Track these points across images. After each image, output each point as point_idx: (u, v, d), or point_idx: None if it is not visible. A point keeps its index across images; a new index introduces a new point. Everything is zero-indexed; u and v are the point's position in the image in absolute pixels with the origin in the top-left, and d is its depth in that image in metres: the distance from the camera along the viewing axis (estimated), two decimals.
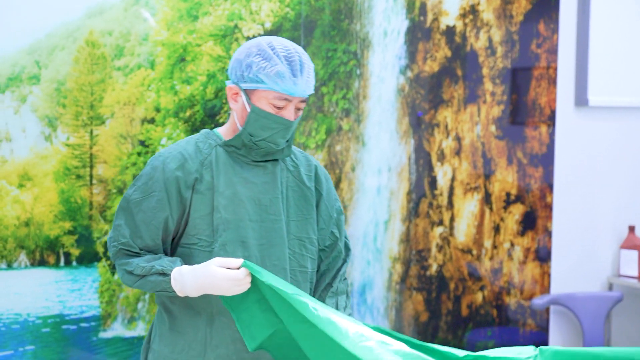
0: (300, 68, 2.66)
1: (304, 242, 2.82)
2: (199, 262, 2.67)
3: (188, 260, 2.71)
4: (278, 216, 2.76)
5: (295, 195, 2.83)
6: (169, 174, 2.70)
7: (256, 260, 2.71)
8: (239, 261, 2.55)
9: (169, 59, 4.16)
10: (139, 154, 4.12)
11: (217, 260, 2.57)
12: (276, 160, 2.80)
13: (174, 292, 2.64)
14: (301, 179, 2.84)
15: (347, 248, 2.96)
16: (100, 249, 4.09)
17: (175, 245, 2.76)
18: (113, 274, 4.11)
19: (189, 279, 2.60)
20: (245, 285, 2.55)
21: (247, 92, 2.71)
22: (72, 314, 4.05)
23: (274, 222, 2.76)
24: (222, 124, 4.28)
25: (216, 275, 2.54)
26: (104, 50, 4.05)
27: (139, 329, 4.16)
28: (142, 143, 4.13)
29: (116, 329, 4.14)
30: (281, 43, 2.70)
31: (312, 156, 2.97)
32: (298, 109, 2.73)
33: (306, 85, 2.68)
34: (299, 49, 2.72)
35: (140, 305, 4.16)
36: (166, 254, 2.75)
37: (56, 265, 4.04)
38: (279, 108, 2.69)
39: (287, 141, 2.76)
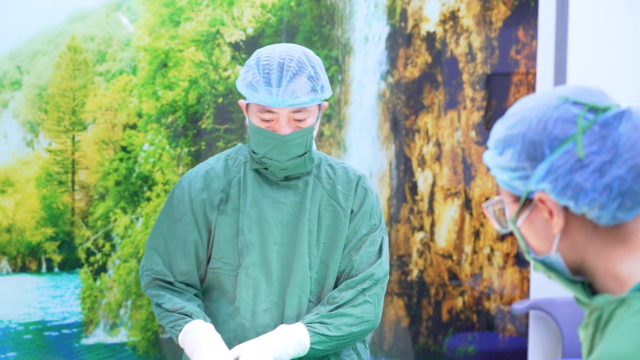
0: (278, 77, 2.44)
1: (330, 267, 2.62)
2: (226, 287, 2.59)
3: (217, 284, 2.62)
4: (302, 240, 2.58)
5: (329, 215, 2.63)
6: (194, 195, 2.60)
7: (277, 285, 2.58)
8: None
9: (150, 65, 4.15)
10: (121, 159, 4.11)
11: (207, 352, 2.43)
12: (309, 176, 2.63)
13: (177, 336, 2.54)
14: (336, 198, 2.64)
15: (372, 274, 2.63)
16: (82, 255, 4.07)
17: (204, 275, 2.66)
18: (95, 280, 4.09)
19: (188, 340, 2.49)
20: None
21: (248, 106, 2.57)
22: (53, 321, 4.03)
23: (298, 245, 2.58)
24: (204, 130, 4.21)
25: None
26: (86, 55, 4.04)
27: (121, 336, 4.15)
28: (124, 149, 4.12)
29: (98, 336, 4.12)
30: (273, 50, 2.51)
31: (356, 169, 2.73)
32: (297, 120, 2.51)
33: (286, 94, 2.44)
34: (296, 53, 2.49)
35: (122, 311, 4.14)
36: (201, 281, 2.65)
37: (38, 271, 4.02)
38: (267, 121, 2.50)
39: (303, 155, 2.55)
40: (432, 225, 4.79)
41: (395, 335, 4.69)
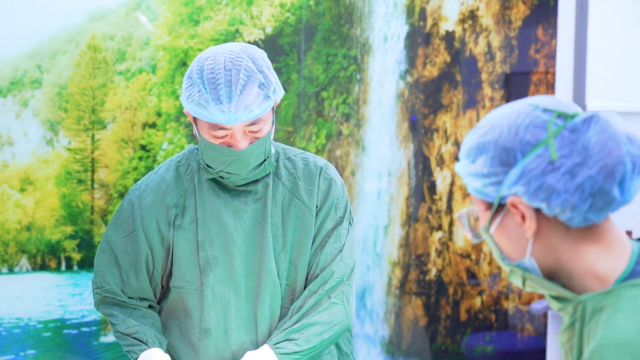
0: (227, 92, 2.24)
1: (299, 270, 2.48)
2: (192, 307, 2.46)
3: (181, 304, 2.49)
4: (268, 247, 2.43)
5: (293, 215, 2.47)
6: (145, 212, 2.44)
7: (246, 299, 2.44)
8: None
9: (170, 64, 4.16)
10: (140, 158, 4.12)
11: None
12: (267, 176, 2.47)
13: None
14: (300, 196, 2.48)
15: (332, 272, 2.47)
16: None
17: (166, 290, 2.51)
18: None
19: None
20: None
21: (195, 119, 2.37)
22: (73, 319, 4.04)
23: (264, 253, 2.43)
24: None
25: None
26: (106, 54, 4.06)
27: None
28: (143, 147, 4.13)
29: None
30: (216, 59, 2.29)
31: (317, 159, 2.56)
32: (253, 132, 2.34)
33: (239, 110, 2.25)
34: (241, 60, 2.29)
35: None
36: (156, 299, 2.53)
37: (57, 269, 4.03)
38: (221, 137, 2.32)
39: (262, 162, 2.40)
40: (451, 224, 4.78)
41: (413, 334, 4.69)
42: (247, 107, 2.25)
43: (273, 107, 2.38)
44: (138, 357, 2.39)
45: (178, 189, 2.45)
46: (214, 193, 2.44)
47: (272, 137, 2.42)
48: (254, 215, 2.43)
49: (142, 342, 2.40)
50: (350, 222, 2.54)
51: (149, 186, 2.47)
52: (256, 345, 2.47)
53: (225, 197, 2.43)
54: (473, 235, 1.66)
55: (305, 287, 2.49)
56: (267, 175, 2.47)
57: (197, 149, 2.50)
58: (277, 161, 2.51)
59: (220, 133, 2.29)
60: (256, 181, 2.45)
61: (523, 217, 1.56)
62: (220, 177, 2.40)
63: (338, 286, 2.46)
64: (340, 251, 2.48)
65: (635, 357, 1.40)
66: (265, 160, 2.40)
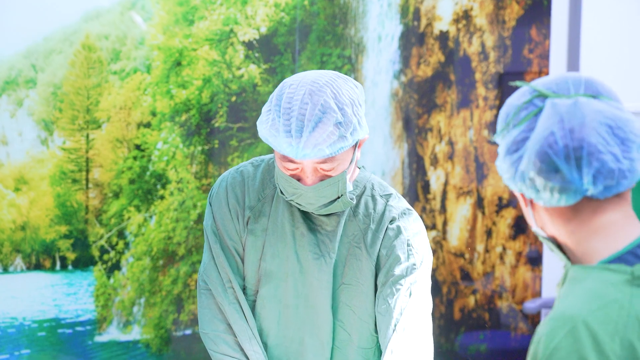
0: (298, 126, 2.13)
1: (355, 311, 2.37)
2: (248, 310, 2.40)
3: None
4: (328, 278, 2.35)
5: (355, 255, 2.36)
6: (232, 201, 2.40)
7: (293, 328, 2.39)
8: None
9: (164, 63, 4.17)
10: (134, 158, 4.13)
11: None
12: (343, 212, 2.37)
13: None
14: (366, 239, 2.36)
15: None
16: (96, 253, 4.09)
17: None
18: (108, 277, 4.11)
19: None
20: None
21: None
22: (67, 318, 4.05)
23: (320, 284, 2.35)
24: (218, 128, 4.21)
25: None
26: (100, 54, 4.06)
27: (134, 333, 4.16)
28: (138, 147, 4.13)
29: (111, 333, 4.14)
30: (297, 89, 2.18)
31: (400, 204, 2.41)
32: (325, 170, 2.22)
33: (307, 147, 2.14)
34: (322, 93, 2.16)
35: (135, 309, 4.16)
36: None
37: (52, 269, 4.04)
38: (290, 169, 2.23)
39: (336, 200, 2.28)
40: (445, 224, 4.80)
41: None
42: (316, 145, 2.13)
43: (356, 145, 2.26)
44: None
45: (257, 193, 2.39)
46: (289, 209, 2.36)
47: (353, 175, 2.33)
48: (318, 246, 2.35)
49: None
50: (428, 270, 2.41)
51: (236, 179, 2.42)
52: None
53: (298, 217, 2.35)
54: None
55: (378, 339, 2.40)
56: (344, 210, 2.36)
57: None
58: (360, 197, 2.40)
59: (291, 166, 2.20)
60: (332, 213, 2.35)
61: (521, 195, 1.64)
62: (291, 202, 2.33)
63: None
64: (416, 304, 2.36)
65: (570, 334, 1.43)
66: (338, 197, 2.28)
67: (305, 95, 2.14)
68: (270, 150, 4.01)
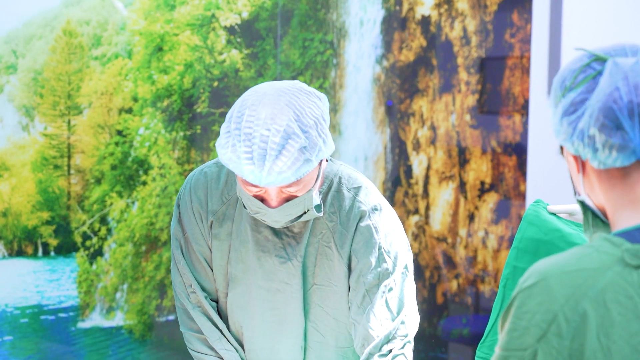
0: (260, 155, 2.00)
1: (328, 312, 2.31)
2: (220, 311, 2.36)
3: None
4: (297, 281, 2.27)
5: (326, 255, 2.26)
6: (195, 205, 2.31)
7: (261, 336, 2.34)
8: None
9: (146, 49, 4.15)
10: (116, 143, 4.12)
11: None
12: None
13: None
14: (335, 239, 2.26)
15: (395, 330, 2.23)
16: (79, 239, 4.08)
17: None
18: (91, 263, 4.10)
19: None
20: None
21: None
22: (50, 304, 4.04)
23: (289, 288, 2.28)
24: (200, 113, 4.20)
25: None
26: (81, 39, 4.04)
27: (117, 319, 4.16)
28: (119, 133, 4.12)
29: (94, 319, 4.13)
30: (256, 110, 2.03)
31: (369, 198, 2.28)
32: (290, 192, 2.11)
33: (271, 176, 2.02)
34: (284, 117, 2.02)
35: (118, 295, 4.15)
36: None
37: (34, 255, 4.03)
38: (252, 192, 2.10)
39: (302, 215, 2.18)
40: (427, 208, 4.81)
41: None
42: (280, 172, 2.00)
43: (321, 163, 2.15)
44: None
45: (222, 195, 2.29)
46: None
47: (317, 189, 2.20)
48: (285, 249, 2.27)
49: None
50: (404, 272, 2.29)
51: (200, 181, 2.32)
52: None
53: (262, 223, 2.24)
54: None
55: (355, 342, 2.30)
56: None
57: None
58: (327, 194, 2.28)
59: (253, 189, 2.08)
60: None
61: (575, 159, 1.65)
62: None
63: (407, 346, 2.25)
64: (400, 310, 2.26)
65: (538, 285, 1.47)
66: (305, 212, 2.18)
67: (266, 120, 2.00)
68: None
